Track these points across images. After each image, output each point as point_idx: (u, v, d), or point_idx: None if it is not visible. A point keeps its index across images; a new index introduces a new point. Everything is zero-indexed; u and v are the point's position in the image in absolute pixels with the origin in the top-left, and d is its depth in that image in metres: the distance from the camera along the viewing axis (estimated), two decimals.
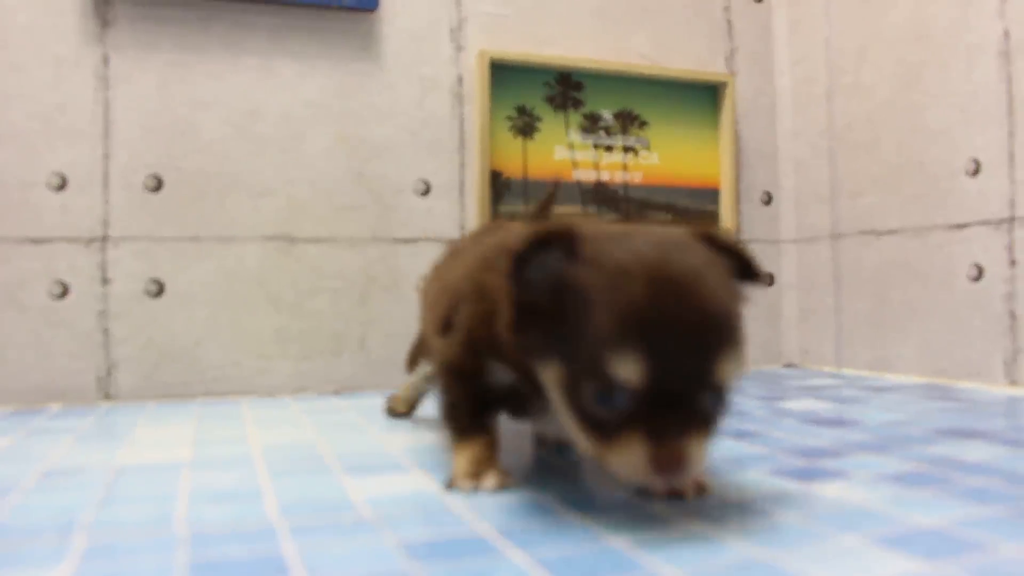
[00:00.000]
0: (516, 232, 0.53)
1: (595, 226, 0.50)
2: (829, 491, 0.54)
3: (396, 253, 1.18)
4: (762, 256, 1.39)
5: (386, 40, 1.19)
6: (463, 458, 0.58)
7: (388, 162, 1.18)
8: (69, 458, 0.70)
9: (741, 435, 0.76)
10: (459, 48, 1.22)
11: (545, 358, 0.47)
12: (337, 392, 1.14)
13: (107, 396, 1.06)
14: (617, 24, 1.31)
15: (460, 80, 1.22)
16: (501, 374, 0.56)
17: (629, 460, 0.44)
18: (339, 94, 1.16)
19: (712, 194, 1.34)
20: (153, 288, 1.08)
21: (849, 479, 0.57)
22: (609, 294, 0.44)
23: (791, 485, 0.56)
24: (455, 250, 0.77)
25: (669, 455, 0.43)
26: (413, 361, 0.91)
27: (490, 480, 0.56)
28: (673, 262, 0.45)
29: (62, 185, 1.05)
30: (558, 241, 0.47)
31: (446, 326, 0.60)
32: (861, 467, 0.61)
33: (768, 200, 1.40)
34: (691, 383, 0.44)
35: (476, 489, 0.56)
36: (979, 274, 1.10)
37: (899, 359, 1.21)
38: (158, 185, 1.09)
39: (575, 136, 1.27)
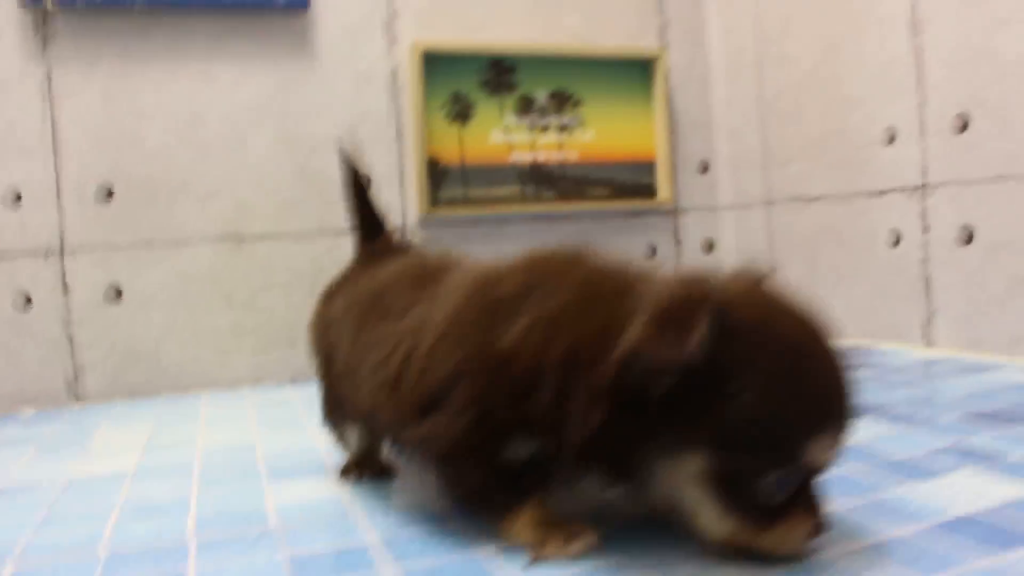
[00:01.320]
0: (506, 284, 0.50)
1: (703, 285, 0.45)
2: None
3: (342, 244, 1.23)
4: (701, 223, 1.44)
5: (320, 37, 1.23)
6: (527, 527, 0.49)
7: (329, 157, 1.23)
8: (26, 471, 0.77)
9: None
10: (392, 41, 1.26)
11: (675, 449, 0.43)
12: (293, 380, 1.20)
13: (77, 398, 1.13)
14: (549, 5, 1.34)
15: (395, 72, 1.26)
16: (524, 448, 0.49)
17: (794, 539, 0.44)
18: (278, 94, 1.21)
19: (648, 166, 1.39)
20: (112, 293, 1.14)
21: None
22: (788, 378, 0.42)
23: None
24: (362, 294, 0.64)
25: (824, 526, 0.44)
26: (337, 423, 0.69)
27: (581, 541, 0.48)
28: (821, 336, 0.45)
29: (17, 200, 1.11)
30: (712, 309, 0.42)
31: (432, 406, 0.51)
32: None
33: (705, 169, 1.45)
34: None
35: (569, 556, 0.48)
36: (897, 240, 1.15)
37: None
38: (109, 194, 1.14)
39: (510, 119, 1.31)
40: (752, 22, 1.38)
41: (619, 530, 0.51)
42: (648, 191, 1.39)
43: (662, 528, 0.49)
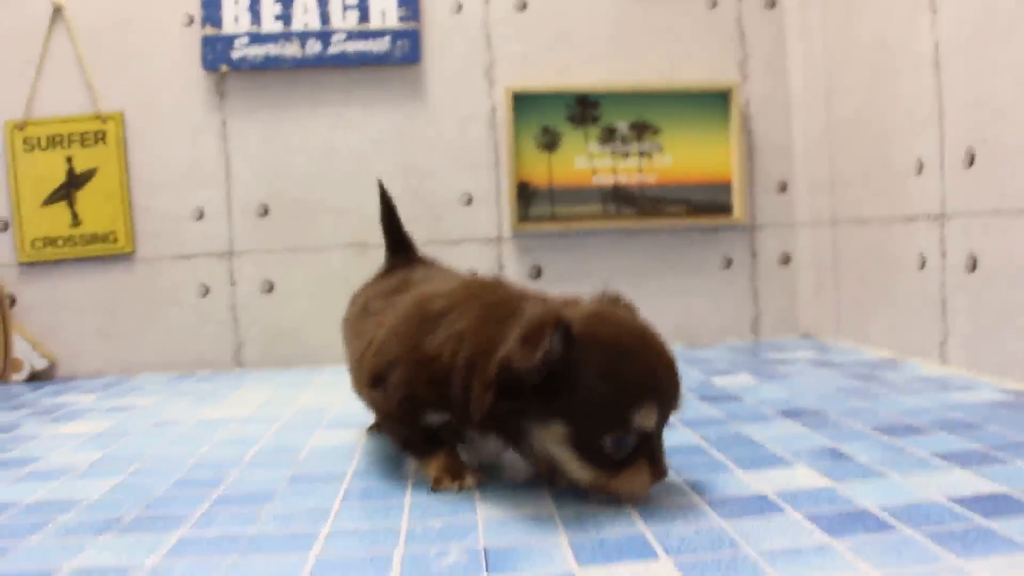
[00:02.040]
0: (447, 292, 0.70)
1: (555, 307, 0.64)
2: None
3: (446, 252, 1.50)
4: (778, 239, 1.58)
5: (430, 84, 1.50)
6: (435, 466, 0.70)
7: (437, 181, 1.50)
8: (174, 412, 1.10)
9: None
10: (491, 83, 1.51)
11: (543, 421, 0.61)
12: None
13: (239, 365, 1.48)
14: (632, 47, 1.53)
15: (493, 110, 1.51)
16: (436, 418, 0.68)
17: (635, 483, 0.61)
18: (396, 131, 1.50)
19: (725, 187, 1.55)
20: (267, 287, 1.49)
21: None
22: (622, 366, 0.60)
23: None
24: (366, 301, 0.85)
25: (662, 473, 0.62)
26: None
27: (470, 479, 0.68)
28: (647, 332, 0.64)
29: (201, 216, 1.47)
30: (560, 326, 0.59)
31: (377, 381, 0.70)
32: None
33: (783, 188, 1.58)
34: (667, 420, 0.63)
35: (460, 488, 0.68)
36: (923, 263, 1.25)
37: (874, 335, 1.38)
38: (265, 211, 1.48)
39: (593, 147, 1.52)
40: (823, 55, 1.49)
41: (506, 481, 0.73)
42: (724, 209, 1.55)
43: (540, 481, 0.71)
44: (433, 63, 1.50)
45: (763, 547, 0.54)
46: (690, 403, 1.02)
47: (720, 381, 1.16)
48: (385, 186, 1.01)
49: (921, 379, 1.11)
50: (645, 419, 0.60)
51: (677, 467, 0.74)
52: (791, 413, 0.93)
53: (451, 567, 0.52)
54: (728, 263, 1.57)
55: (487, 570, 0.51)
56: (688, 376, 1.21)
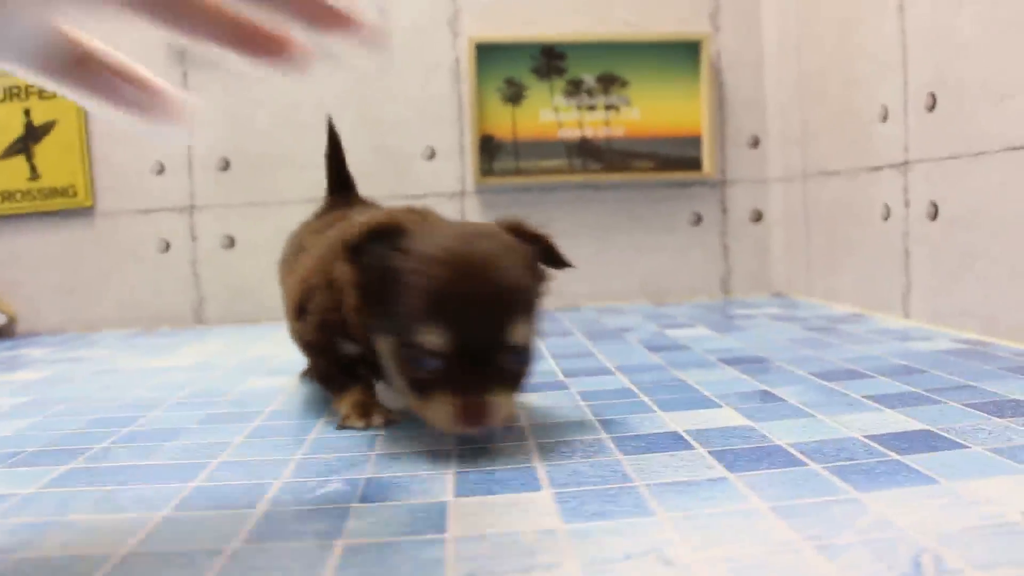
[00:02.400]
0: (351, 226, 0.64)
1: (421, 220, 0.64)
2: None
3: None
4: (750, 195, 1.55)
5: (394, 36, 1.47)
6: (345, 403, 0.68)
7: (400, 135, 1.48)
8: (125, 362, 1.08)
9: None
10: (455, 34, 1.48)
11: (380, 333, 0.60)
12: None
13: (200, 321, 1.47)
14: None
15: (457, 62, 1.48)
16: (351, 347, 0.67)
17: (439, 413, 0.56)
18: (359, 84, 1.47)
19: (694, 141, 1.52)
20: (227, 242, 1.47)
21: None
22: (418, 277, 0.55)
23: None
24: (301, 239, 0.86)
25: (474, 408, 0.55)
26: None
27: (377, 417, 0.66)
28: (473, 250, 0.57)
29: (161, 170, 1.45)
30: (387, 233, 0.58)
31: (300, 311, 0.71)
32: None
33: (755, 143, 1.55)
34: (488, 347, 0.55)
35: (367, 427, 0.66)
36: (887, 214, 1.22)
37: (841, 290, 1.36)
38: (226, 166, 1.46)
39: (559, 100, 1.49)
40: (795, 5, 1.46)
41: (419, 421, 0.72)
42: (693, 164, 1.52)
43: None
44: (397, 13, 1.47)
45: (654, 480, 0.52)
46: (634, 351, 1.00)
47: (673, 333, 1.14)
48: (334, 123, 0.99)
49: (879, 331, 1.08)
50: (431, 340, 0.54)
51: (597, 408, 0.72)
52: (734, 360, 0.91)
53: (325, 495, 0.51)
54: (698, 219, 1.54)
55: (360, 500, 0.50)
56: (643, 329, 1.19)
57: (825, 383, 0.78)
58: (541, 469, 0.55)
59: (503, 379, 0.57)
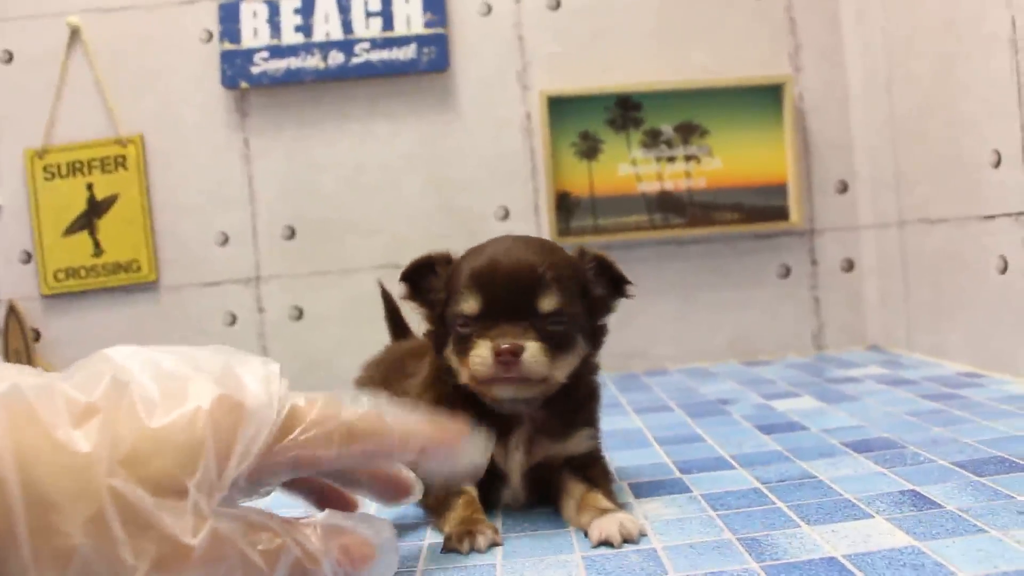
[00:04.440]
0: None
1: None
2: None
3: None
4: (839, 243, 1.46)
5: (460, 91, 1.42)
6: (450, 521, 0.64)
7: (471, 194, 1.42)
8: None
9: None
10: (525, 88, 1.42)
11: (445, 339, 0.68)
12: None
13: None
14: (675, 42, 1.43)
15: (528, 116, 1.42)
16: None
17: (476, 359, 0.63)
18: (426, 143, 1.42)
19: (780, 189, 1.43)
20: (295, 313, 1.42)
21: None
22: (462, 268, 0.67)
23: None
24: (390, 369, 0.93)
25: (506, 349, 0.62)
26: None
27: (482, 539, 0.61)
28: (511, 245, 0.67)
29: (225, 241, 1.41)
30: (438, 263, 0.70)
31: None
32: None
33: (844, 189, 1.46)
34: (517, 309, 0.64)
35: (471, 550, 0.60)
36: (1004, 267, 1.12)
37: (950, 347, 1.25)
38: (292, 234, 1.42)
39: (637, 152, 1.42)
40: (882, 41, 1.37)
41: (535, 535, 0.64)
42: (780, 213, 1.44)
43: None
44: (462, 70, 1.42)
45: None
46: (745, 433, 0.92)
47: (779, 405, 1.05)
48: (382, 285, 1.08)
49: (1007, 397, 0.98)
50: (466, 304, 0.65)
51: (732, 521, 0.64)
52: (860, 446, 0.82)
53: None
54: (786, 272, 1.45)
55: None
56: (744, 401, 1.10)
57: (978, 479, 0.69)
58: None
59: (537, 335, 0.64)
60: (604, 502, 0.65)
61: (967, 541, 0.56)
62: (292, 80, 1.38)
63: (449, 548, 0.61)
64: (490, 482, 0.68)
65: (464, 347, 0.65)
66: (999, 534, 0.57)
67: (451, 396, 0.69)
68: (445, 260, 0.70)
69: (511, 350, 0.62)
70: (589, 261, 0.69)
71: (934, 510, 0.62)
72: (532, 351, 0.63)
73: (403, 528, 0.69)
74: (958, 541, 0.56)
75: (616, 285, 0.70)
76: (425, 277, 0.70)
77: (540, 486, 0.70)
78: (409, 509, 0.74)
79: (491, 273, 0.65)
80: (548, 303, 0.64)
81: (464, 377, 0.66)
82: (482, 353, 0.63)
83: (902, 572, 0.52)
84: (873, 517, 0.62)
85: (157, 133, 1.42)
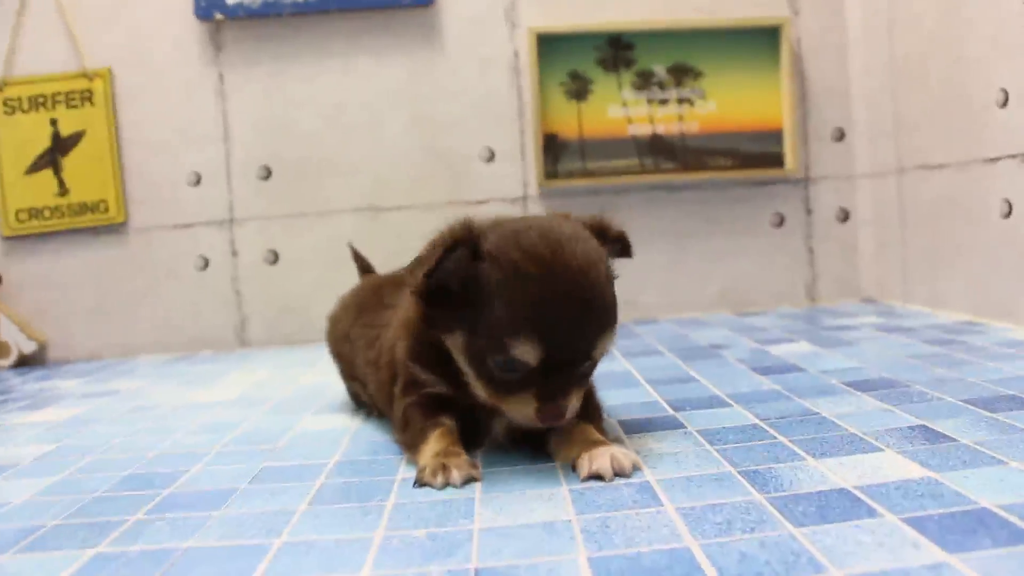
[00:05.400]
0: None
1: (495, 223, 0.60)
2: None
3: (468, 213, 1.36)
4: (835, 192, 1.41)
5: (447, 28, 1.35)
6: (424, 455, 0.59)
7: (456, 135, 1.36)
8: (162, 396, 0.98)
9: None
10: (513, 25, 1.36)
11: (450, 329, 0.59)
12: None
13: (243, 343, 1.36)
14: None
15: (516, 55, 1.36)
16: (437, 384, 0.63)
17: (521, 411, 0.57)
18: (410, 81, 1.36)
19: (775, 136, 1.38)
20: (271, 257, 1.36)
21: None
22: (509, 288, 0.55)
23: None
24: (365, 299, 0.87)
25: (552, 411, 0.56)
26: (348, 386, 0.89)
27: (456, 474, 0.56)
28: (564, 259, 0.56)
29: (198, 181, 1.35)
30: (463, 243, 0.57)
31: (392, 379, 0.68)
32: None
33: (840, 136, 1.41)
34: (573, 360, 0.57)
35: (445, 484, 0.56)
36: (1008, 210, 1.08)
37: (948, 296, 1.21)
38: (268, 174, 1.36)
39: (628, 94, 1.37)
40: None
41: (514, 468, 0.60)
42: (775, 160, 1.39)
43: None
44: (449, 4, 1.36)
45: (854, 568, 0.40)
46: (740, 374, 0.87)
47: (775, 350, 1.01)
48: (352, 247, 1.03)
49: (1011, 343, 0.94)
50: (523, 352, 0.55)
51: (731, 455, 0.59)
52: (862, 385, 0.78)
53: None
54: (780, 221, 1.41)
55: None
56: (738, 346, 1.06)
57: (991, 415, 0.65)
58: (697, 551, 0.43)
59: (580, 384, 0.59)
60: (594, 435, 0.60)
61: (986, 472, 0.52)
62: (270, 12, 1.31)
63: (422, 482, 0.56)
64: (471, 423, 0.64)
65: (504, 389, 0.58)
66: (1019, 465, 0.53)
67: (427, 355, 0.63)
68: (466, 241, 0.57)
69: (557, 413, 0.57)
70: (614, 239, 0.63)
71: (948, 443, 0.58)
72: (573, 405, 0.58)
73: (375, 464, 0.64)
74: (977, 472, 0.52)
75: (622, 249, 0.65)
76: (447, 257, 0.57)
77: (527, 433, 0.63)
78: (381, 443, 0.70)
79: (555, 319, 0.55)
80: (603, 349, 0.59)
81: (481, 395, 0.60)
82: (525, 411, 0.57)
83: (921, 502, 0.48)
84: (883, 451, 0.58)
85: (126, 66, 1.35)
